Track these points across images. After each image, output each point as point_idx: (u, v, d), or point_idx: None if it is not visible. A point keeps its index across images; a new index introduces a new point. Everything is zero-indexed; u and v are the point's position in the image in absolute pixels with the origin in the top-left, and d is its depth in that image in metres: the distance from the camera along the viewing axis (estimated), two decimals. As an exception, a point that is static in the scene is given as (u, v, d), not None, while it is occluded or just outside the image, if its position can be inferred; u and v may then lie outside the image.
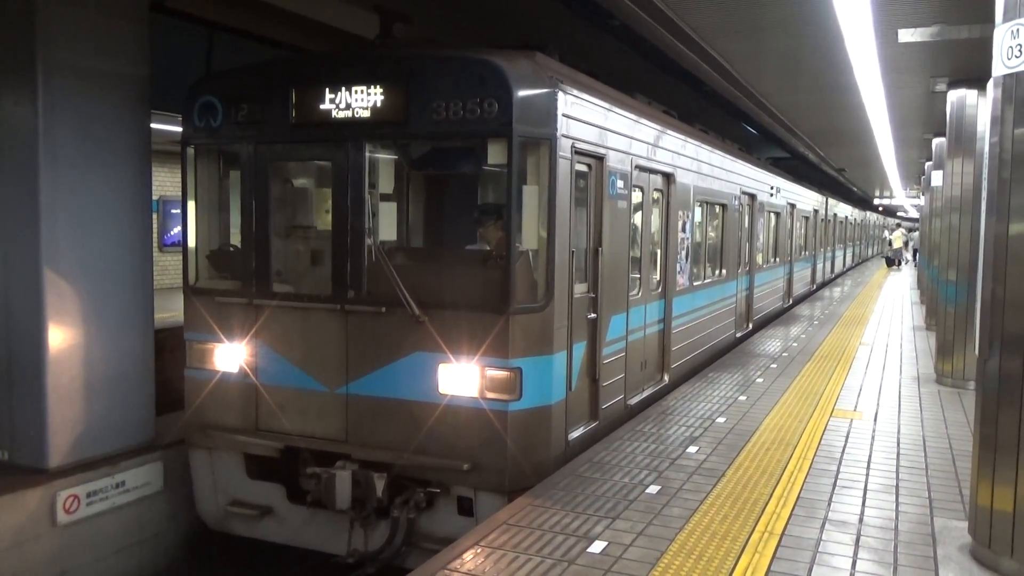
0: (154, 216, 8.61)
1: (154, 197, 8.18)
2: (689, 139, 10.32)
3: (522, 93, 6.07)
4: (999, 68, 4.52)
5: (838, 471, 6.53)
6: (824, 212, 25.79)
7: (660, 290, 9.45)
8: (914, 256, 38.68)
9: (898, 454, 7.07)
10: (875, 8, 7.41)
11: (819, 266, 25.65)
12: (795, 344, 13.45)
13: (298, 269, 7.46)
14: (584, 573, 4.58)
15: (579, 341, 6.94)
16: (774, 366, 11.24)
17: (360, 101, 6.41)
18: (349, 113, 6.45)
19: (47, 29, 6.69)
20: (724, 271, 12.70)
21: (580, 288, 7.00)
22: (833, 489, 6.09)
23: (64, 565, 6.78)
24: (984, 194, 4.93)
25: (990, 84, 4.72)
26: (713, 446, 7.14)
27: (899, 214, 68.67)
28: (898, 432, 7.82)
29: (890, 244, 40.72)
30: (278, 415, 6.79)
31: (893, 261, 38.37)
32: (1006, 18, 4.45)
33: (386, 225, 6.86)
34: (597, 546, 4.94)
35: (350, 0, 9.20)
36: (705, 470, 6.47)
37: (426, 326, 6.24)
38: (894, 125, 15.37)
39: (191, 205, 7.25)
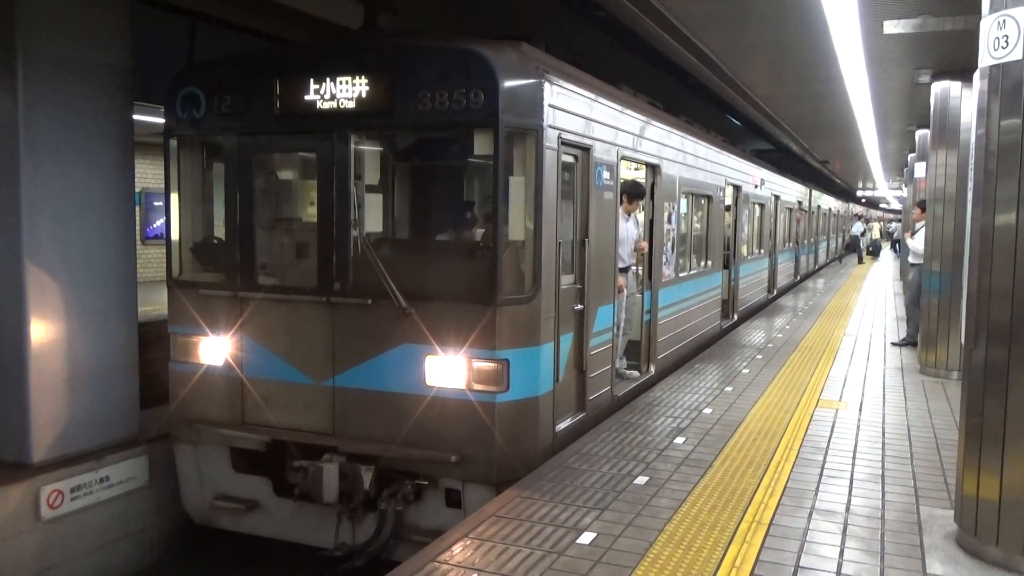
0: (136, 209, 8.51)
1: (136, 189, 8.07)
2: (674, 130, 10.32)
3: (508, 83, 6.04)
4: (985, 59, 4.54)
5: (824, 461, 6.57)
6: (808, 203, 25.91)
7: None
8: (893, 248, 38.52)
9: (883, 443, 7.12)
10: (861, -1, 7.42)
11: (803, 257, 25.76)
12: (780, 335, 13.51)
13: (283, 261, 7.41)
14: (574, 564, 4.58)
15: (566, 332, 6.93)
16: (759, 357, 11.29)
17: (345, 92, 6.36)
18: (334, 104, 6.39)
19: (27, 19, 6.59)
20: (709, 262, 12.73)
21: (567, 279, 6.99)
22: (820, 479, 6.12)
23: (48, 561, 6.72)
24: (970, 185, 4.95)
25: (976, 75, 4.73)
26: (700, 437, 7.16)
27: (881, 206, 69.05)
28: (883, 422, 7.87)
29: (862, 234, 40.55)
30: (264, 408, 6.75)
31: (876, 249, 38.21)
32: (992, 9, 4.46)
33: (372, 217, 6.83)
34: (586, 537, 4.94)
35: (334, -11, 9.13)
36: (692, 461, 6.49)
37: (413, 318, 6.21)
38: (878, 116, 15.44)
39: (174, 197, 7.17)
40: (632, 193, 9.21)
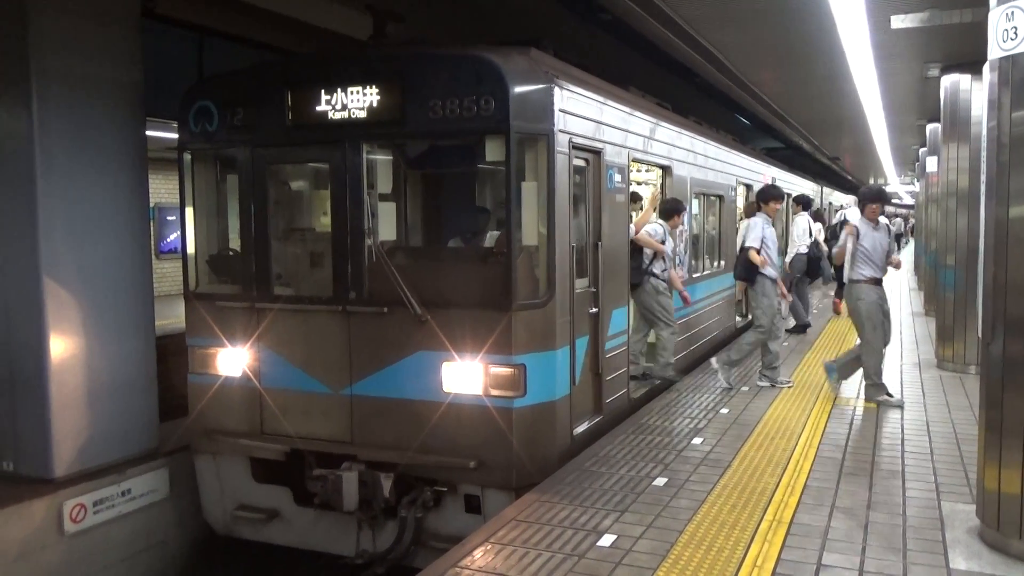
0: (150, 223, 8.58)
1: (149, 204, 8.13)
2: (684, 131, 10.32)
3: (518, 89, 6.06)
4: (995, 51, 4.53)
5: (843, 458, 6.54)
6: (820, 200, 25.76)
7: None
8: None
9: (903, 439, 7.09)
10: (867, -6, 7.42)
11: None
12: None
13: (299, 271, 7.45)
14: (594, 567, 4.59)
15: (581, 336, 6.94)
16: (775, 356, 11.21)
17: (356, 101, 6.39)
18: (345, 114, 6.43)
19: (40, 37, 6.67)
20: (723, 262, 12.71)
21: (581, 283, 7.00)
22: (839, 476, 6.10)
23: (72, 574, 6.77)
24: (983, 178, 4.94)
25: (986, 68, 4.73)
26: (718, 437, 7.15)
27: (894, 201, 68.50)
28: (902, 418, 7.84)
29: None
30: (282, 418, 6.79)
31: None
32: (1000, 0, 4.46)
33: (385, 225, 6.86)
34: (607, 539, 4.95)
35: (342, 1, 9.19)
36: (711, 461, 6.48)
37: (429, 325, 6.24)
38: (887, 112, 15.38)
39: (189, 211, 7.23)
40: (869, 196, 8.37)
